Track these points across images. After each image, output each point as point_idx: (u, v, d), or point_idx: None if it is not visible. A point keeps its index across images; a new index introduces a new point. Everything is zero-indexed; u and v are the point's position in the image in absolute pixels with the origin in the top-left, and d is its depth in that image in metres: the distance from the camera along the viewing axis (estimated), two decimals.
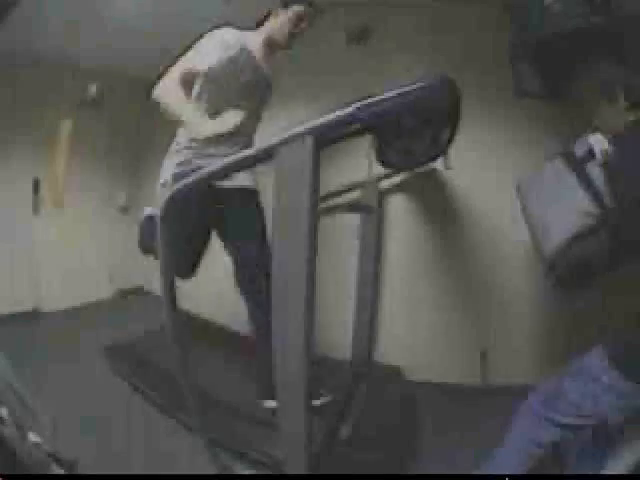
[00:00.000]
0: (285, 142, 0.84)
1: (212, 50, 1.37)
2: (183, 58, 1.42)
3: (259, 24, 1.50)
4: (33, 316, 2.56)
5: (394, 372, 1.71)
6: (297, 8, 1.40)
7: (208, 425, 1.33)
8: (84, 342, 2.25)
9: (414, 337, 1.84)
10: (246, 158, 0.88)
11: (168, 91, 1.37)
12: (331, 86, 1.56)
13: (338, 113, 0.84)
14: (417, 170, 1.50)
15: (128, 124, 2.80)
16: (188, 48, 1.43)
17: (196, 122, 1.34)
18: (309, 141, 0.83)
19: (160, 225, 1.04)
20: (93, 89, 2.54)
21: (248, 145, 1.48)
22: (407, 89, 0.91)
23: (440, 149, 1.16)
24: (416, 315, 1.84)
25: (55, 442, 1.20)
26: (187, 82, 1.40)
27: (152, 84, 1.43)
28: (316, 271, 0.85)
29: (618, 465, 0.95)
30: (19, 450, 1.05)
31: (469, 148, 1.44)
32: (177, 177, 1.35)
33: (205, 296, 2.02)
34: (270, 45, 1.48)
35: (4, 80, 2.29)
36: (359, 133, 0.94)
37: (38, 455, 1.14)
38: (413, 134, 1.06)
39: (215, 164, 0.93)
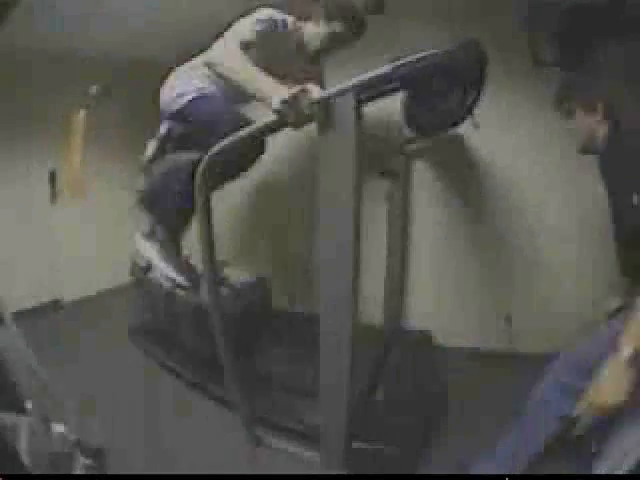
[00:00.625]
0: (329, 98, 0.88)
1: (257, 22, 1.28)
2: (229, 33, 1.31)
3: (299, 18, 1.40)
4: (55, 306, 2.60)
5: (425, 337, 1.73)
6: (339, 28, 1.30)
7: (247, 398, 1.35)
8: (108, 329, 2.28)
9: (441, 302, 1.88)
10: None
11: (233, 56, 1.20)
12: (352, 54, 1.58)
13: (377, 71, 0.89)
14: (442, 135, 1.54)
15: (143, 110, 2.82)
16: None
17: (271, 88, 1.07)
18: (351, 96, 0.87)
19: (198, 187, 1.07)
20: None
21: None
22: (439, 51, 0.96)
23: (466, 111, 1.20)
24: (443, 280, 1.87)
25: (80, 429, 1.22)
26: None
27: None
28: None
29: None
30: (34, 447, 1.04)
31: (493, 116, 1.47)
32: None
33: None
34: (298, 47, 1.40)
35: (19, 74, 2.32)
36: (394, 91, 0.98)
37: (62, 446, 1.16)
38: (443, 94, 1.11)
39: (259, 121, 0.96)
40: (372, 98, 0.95)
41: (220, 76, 1.22)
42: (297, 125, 0.95)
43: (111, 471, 1.26)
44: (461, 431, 1.37)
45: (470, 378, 1.60)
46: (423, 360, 1.51)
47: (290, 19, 1.36)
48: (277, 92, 0.97)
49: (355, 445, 1.19)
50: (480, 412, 1.43)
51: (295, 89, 0.92)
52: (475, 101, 1.17)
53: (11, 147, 2.41)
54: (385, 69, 0.89)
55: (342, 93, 0.88)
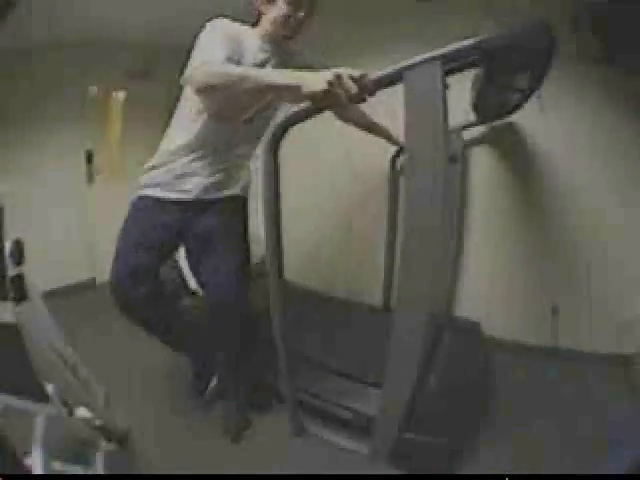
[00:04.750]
0: (415, 66, 0.89)
1: (218, 44, 1.18)
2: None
3: (254, 24, 1.32)
4: (92, 284, 2.62)
5: (474, 327, 1.70)
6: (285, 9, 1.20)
7: (297, 384, 1.33)
8: None
9: (492, 291, 1.86)
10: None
11: (214, 66, 1.09)
12: (401, 39, 1.58)
13: (462, 43, 0.90)
14: (498, 123, 1.58)
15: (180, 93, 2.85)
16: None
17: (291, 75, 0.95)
18: (438, 64, 0.88)
19: (265, 160, 1.07)
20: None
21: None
22: (517, 30, 0.97)
23: (528, 95, 1.22)
24: (495, 268, 1.85)
25: (107, 413, 1.19)
26: None
27: None
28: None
29: None
30: (51, 434, 1.01)
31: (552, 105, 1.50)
32: None
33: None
34: (273, 41, 1.29)
35: (53, 59, 2.34)
36: (473, 65, 0.98)
37: (84, 432, 1.13)
38: (513, 74, 1.12)
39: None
40: (451, 71, 0.95)
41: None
42: (349, 102, 0.85)
43: (135, 456, 1.24)
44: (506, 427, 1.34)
45: (514, 372, 1.59)
46: (472, 351, 1.48)
47: (249, 33, 1.29)
48: (304, 78, 0.87)
49: (404, 436, 1.16)
50: (523, 408, 1.41)
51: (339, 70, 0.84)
52: (538, 85, 1.19)
53: (44, 128, 2.39)
54: (470, 42, 0.90)
55: (429, 61, 0.89)
